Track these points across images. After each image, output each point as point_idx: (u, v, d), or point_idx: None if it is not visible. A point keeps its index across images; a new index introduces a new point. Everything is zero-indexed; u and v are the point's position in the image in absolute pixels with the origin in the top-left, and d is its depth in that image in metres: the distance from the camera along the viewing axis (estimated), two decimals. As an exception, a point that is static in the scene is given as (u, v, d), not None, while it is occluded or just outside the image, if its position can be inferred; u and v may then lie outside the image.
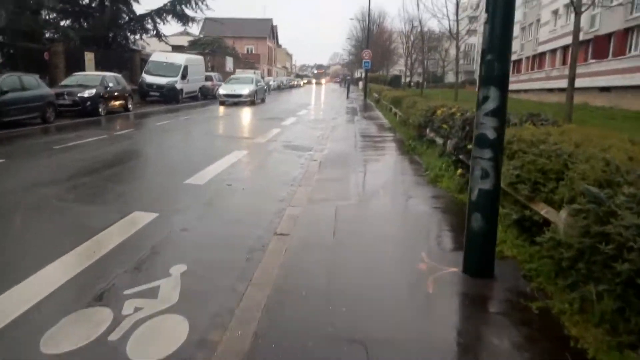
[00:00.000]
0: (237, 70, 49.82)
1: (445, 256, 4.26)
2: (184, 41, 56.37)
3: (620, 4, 23.20)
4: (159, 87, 26.47)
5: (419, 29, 28.88)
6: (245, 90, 26.54)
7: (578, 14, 8.30)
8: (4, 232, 5.00)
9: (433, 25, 65.50)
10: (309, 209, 5.70)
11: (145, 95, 26.69)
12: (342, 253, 4.30)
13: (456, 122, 7.53)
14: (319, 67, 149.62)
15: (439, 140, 8.61)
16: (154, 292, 3.58)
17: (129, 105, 20.43)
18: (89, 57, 26.17)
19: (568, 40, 34.20)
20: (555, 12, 36.90)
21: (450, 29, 16.65)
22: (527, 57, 44.63)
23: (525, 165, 4.32)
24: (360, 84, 72.35)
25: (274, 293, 3.49)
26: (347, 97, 40.63)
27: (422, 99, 14.40)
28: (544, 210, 3.96)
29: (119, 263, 4.13)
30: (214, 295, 3.63)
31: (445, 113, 8.84)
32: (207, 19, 69.76)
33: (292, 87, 74.89)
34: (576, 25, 8.43)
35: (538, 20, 41.68)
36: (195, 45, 55.92)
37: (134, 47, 33.00)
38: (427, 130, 9.90)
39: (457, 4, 16.41)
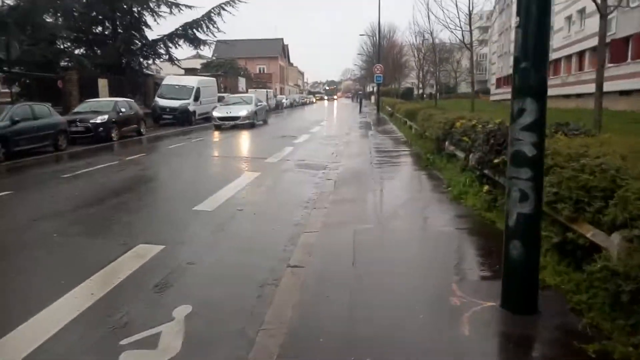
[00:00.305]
0: (248, 90, 50.06)
1: (479, 287, 3.80)
2: (196, 64, 57.06)
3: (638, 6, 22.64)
4: (172, 110, 26.54)
5: (430, 41, 28.58)
6: (242, 111, 23.56)
7: (603, 17, 7.84)
8: None
9: (444, 36, 65.27)
10: (324, 235, 5.29)
11: (159, 118, 26.76)
12: (362, 288, 3.86)
13: (478, 134, 7.08)
14: (331, 83, 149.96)
15: (460, 154, 8.16)
16: (154, 341, 3.19)
17: (142, 130, 20.40)
18: (103, 83, 26.40)
19: (583, 45, 33.65)
20: (569, 18, 36.33)
21: (463, 39, 16.24)
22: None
23: (564, 182, 3.86)
24: (373, 98, 72.26)
25: (288, 339, 3.07)
26: (360, 111, 40.37)
27: (437, 111, 13.96)
28: (590, 233, 3.49)
29: (117, 307, 3.75)
30: (221, 343, 3.23)
31: (465, 125, 8.40)
32: (218, 42, 70.86)
33: (304, 104, 75.10)
34: (602, 27, 7.98)
35: (551, 27, 41.09)
36: (208, 68, 56.49)
37: (147, 72, 33.32)
38: (446, 143, 9.45)
39: (470, 14, 16.04)
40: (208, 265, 4.77)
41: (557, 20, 38.81)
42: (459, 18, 16.18)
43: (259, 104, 27.38)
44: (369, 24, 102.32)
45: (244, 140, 18.05)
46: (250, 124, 23.55)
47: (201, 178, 9.96)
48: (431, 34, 23.81)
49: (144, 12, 31.10)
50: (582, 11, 33.45)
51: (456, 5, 16.28)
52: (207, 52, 56.04)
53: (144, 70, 32.87)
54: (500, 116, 14.86)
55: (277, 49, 79.27)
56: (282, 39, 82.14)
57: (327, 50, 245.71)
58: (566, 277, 3.70)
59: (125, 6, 30.22)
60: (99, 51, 30.58)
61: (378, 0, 44.27)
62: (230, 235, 5.79)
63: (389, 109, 30.06)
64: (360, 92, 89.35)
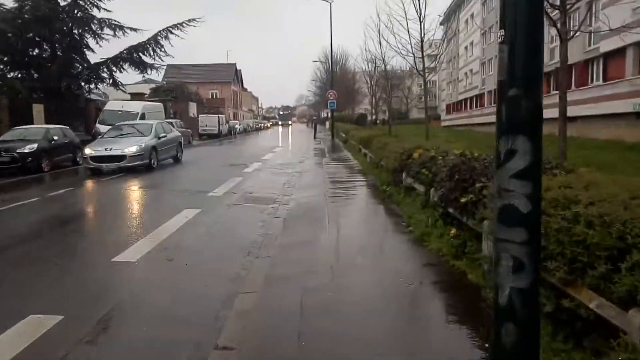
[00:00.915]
0: (199, 115, 48.62)
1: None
2: (146, 89, 55.28)
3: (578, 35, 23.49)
4: (115, 137, 24.92)
5: (382, 68, 28.62)
6: (131, 147, 15.51)
7: (564, 41, 7.49)
8: None
9: (396, 62, 66.77)
10: (266, 297, 4.36)
11: (100, 146, 25.07)
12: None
13: (439, 167, 6.43)
14: (286, 108, 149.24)
15: (420, 188, 7.49)
16: None
17: (78, 158, 18.82)
18: (38, 109, 24.56)
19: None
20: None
21: (415, 66, 15.99)
22: (490, 91, 45.34)
23: (552, 235, 3.16)
24: (327, 123, 72.45)
25: None
26: (315, 137, 39.91)
27: (392, 139, 13.47)
28: (595, 304, 2.76)
29: None
30: None
31: (424, 156, 7.78)
32: (169, 66, 69.24)
33: (259, 129, 74.22)
34: (563, 53, 7.63)
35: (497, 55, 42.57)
36: (157, 92, 54.80)
37: (89, 97, 31.55)
38: (404, 175, 8.80)
39: (422, 41, 15.85)
40: (115, 345, 3.71)
41: (503, 49, 40.21)
42: (410, 44, 15.93)
43: (163, 135, 17.72)
44: (322, 51, 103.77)
45: (189, 170, 16.86)
46: (144, 165, 15.73)
47: (131, 217, 8.80)
48: (383, 60, 23.70)
49: (86, 35, 29.60)
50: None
51: (408, 32, 15.91)
52: (155, 76, 54.66)
53: (86, 95, 31.10)
54: (456, 144, 14.58)
55: (230, 74, 78.45)
56: (234, 64, 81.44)
57: (282, 76, 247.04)
58: (566, 356, 2.94)
59: (64, 28, 28.66)
60: (35, 75, 28.73)
61: (330, 26, 44.63)
62: (151, 297, 4.73)
63: (343, 135, 29.68)
64: (314, 118, 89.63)
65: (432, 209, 6.41)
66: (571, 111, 25.35)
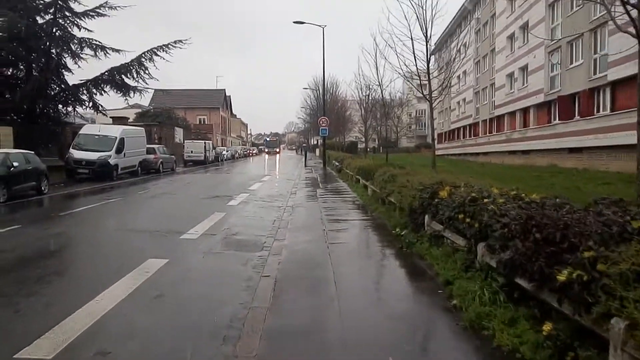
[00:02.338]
0: (184, 140, 46.77)
1: None
2: (132, 114, 53.59)
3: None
4: (90, 164, 22.92)
5: (376, 94, 27.32)
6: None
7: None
8: None
9: (394, 87, 66.00)
10: None
11: (74, 173, 23.04)
12: None
13: (490, 215, 4.63)
14: (274, 135, 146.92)
15: (458, 240, 5.67)
16: None
17: (44, 187, 16.79)
18: (5, 132, 22.48)
19: (527, 102, 33.74)
20: (510, 76, 36.74)
21: (421, 88, 14.44)
22: (484, 120, 44.29)
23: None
24: (317, 151, 70.85)
25: None
26: (305, 165, 38.21)
27: (398, 170, 11.71)
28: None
29: None
30: None
31: (457, 195, 5.98)
32: (156, 90, 67.96)
33: (247, 156, 72.39)
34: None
35: (492, 85, 41.69)
36: (143, 117, 53.12)
37: (67, 120, 29.57)
38: (427, 218, 6.98)
39: (428, 62, 14.35)
40: None
41: (498, 78, 39.37)
42: (416, 66, 14.39)
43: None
44: (312, 78, 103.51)
45: (166, 202, 14.88)
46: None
47: (77, 271, 6.82)
48: (380, 85, 22.30)
49: (64, 55, 27.84)
50: (524, 68, 33.81)
51: (413, 53, 14.39)
52: (141, 100, 53.12)
53: (63, 118, 29.11)
54: (466, 174, 12.80)
55: (219, 100, 77.13)
56: (224, 90, 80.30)
57: (272, 103, 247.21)
58: None
59: (42, 47, 26.89)
60: (8, 95, 26.77)
61: (322, 50, 43.56)
62: None
63: (337, 163, 27.94)
64: (304, 145, 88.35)
65: (485, 275, 4.56)
66: (576, 142, 23.93)
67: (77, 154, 23.29)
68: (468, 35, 51.86)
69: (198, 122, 71.74)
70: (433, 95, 14.49)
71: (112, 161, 23.63)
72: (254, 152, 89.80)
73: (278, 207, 12.87)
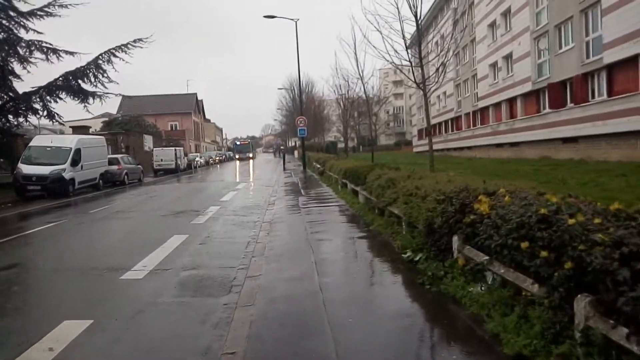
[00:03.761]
0: (153, 148, 44.10)
1: None
2: (99, 123, 50.70)
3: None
4: (41, 179, 20.37)
5: (355, 89, 25.46)
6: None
7: None
8: None
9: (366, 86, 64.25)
10: None
11: (23, 190, 20.45)
12: None
13: (582, 245, 2.65)
14: (251, 137, 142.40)
15: (524, 284, 3.67)
16: None
17: (-22, 210, 14.35)
18: (-59, 147, 19.85)
19: (513, 92, 32.28)
20: (493, 66, 35.29)
21: (414, 76, 12.53)
22: (467, 114, 42.86)
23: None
24: (296, 152, 68.68)
25: None
26: (284, 169, 36.04)
27: (396, 173, 9.74)
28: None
29: None
30: None
31: (510, 212, 4.00)
32: (124, 97, 64.87)
33: (222, 161, 69.68)
34: None
35: (474, 76, 40.25)
36: (110, 125, 50.29)
37: (17, 132, 26.79)
38: (456, 240, 4.98)
39: (420, 44, 12.45)
40: None
41: (480, 68, 37.91)
42: (406, 50, 12.49)
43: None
44: (287, 78, 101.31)
45: (118, 222, 12.58)
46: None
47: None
48: (361, 77, 20.39)
49: (10, 59, 25.11)
50: (508, 57, 32.36)
51: (403, 36, 12.47)
52: (101, 106, 50.20)
53: (13, 130, 26.34)
54: (457, 171, 10.86)
55: (190, 105, 74.30)
56: (195, 94, 77.49)
57: (246, 106, 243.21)
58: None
59: (-16, 52, 24.14)
60: (-52, 107, 24.02)
61: (296, 45, 41.51)
62: None
63: (318, 166, 25.89)
64: (282, 147, 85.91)
65: (602, 356, 2.58)
66: (571, 131, 22.39)
67: (26, 168, 20.69)
68: (444, 27, 50.63)
69: (170, 129, 68.89)
70: (428, 83, 12.56)
71: (66, 175, 21.09)
72: (235, 156, 77.22)
73: (254, 224, 10.75)
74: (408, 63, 13.56)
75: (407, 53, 12.63)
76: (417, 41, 12.73)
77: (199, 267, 6.95)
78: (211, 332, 4.43)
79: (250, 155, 77.92)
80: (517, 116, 31.62)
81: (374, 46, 11.91)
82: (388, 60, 13.28)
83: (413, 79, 12.68)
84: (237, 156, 75.57)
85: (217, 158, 68.20)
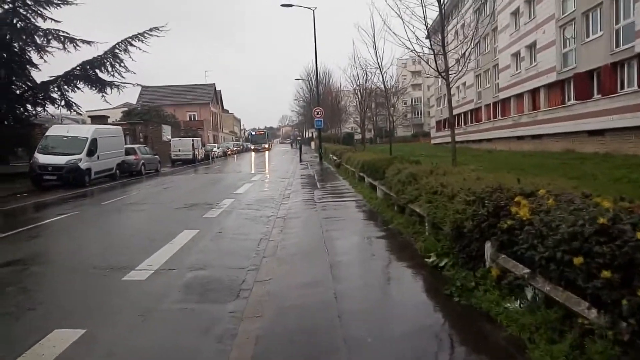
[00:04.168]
0: (171, 138, 44.05)
1: None
2: (119, 113, 50.90)
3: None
4: (57, 169, 20.29)
5: (373, 79, 24.72)
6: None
7: None
8: None
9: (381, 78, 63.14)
10: None
11: (39, 179, 20.40)
12: None
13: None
14: (269, 128, 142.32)
15: (577, 307, 3.13)
16: None
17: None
18: (-40, 136, 19.88)
19: (537, 83, 31.17)
20: (516, 55, 34.12)
21: (436, 65, 11.88)
22: (487, 105, 41.70)
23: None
24: (313, 143, 68.08)
25: None
26: (300, 160, 35.59)
27: (417, 167, 9.17)
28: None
29: None
30: None
31: (557, 219, 3.45)
32: (143, 87, 64.91)
33: (239, 152, 69.53)
34: None
35: (495, 66, 39.05)
36: (130, 116, 50.39)
37: (35, 121, 26.80)
38: (489, 248, 4.44)
39: (443, 31, 11.79)
40: None
41: (502, 59, 36.72)
42: (429, 38, 11.86)
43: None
44: (304, 68, 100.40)
45: (129, 215, 12.28)
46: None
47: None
48: (380, 66, 19.74)
49: (28, 48, 25.03)
50: (531, 46, 31.20)
51: (425, 21, 11.82)
52: (119, 95, 50.05)
53: (31, 119, 26.35)
54: (477, 163, 10.18)
55: (209, 95, 74.18)
56: (214, 84, 77.30)
57: (265, 97, 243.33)
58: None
59: (1, 40, 24.05)
60: (-33, 96, 24.04)
61: (314, 35, 40.85)
62: None
63: (334, 158, 25.36)
64: (299, 138, 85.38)
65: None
66: (597, 123, 21.35)
67: (42, 158, 20.61)
68: (465, 15, 49.33)
69: (188, 119, 68.94)
70: (451, 72, 11.90)
71: (83, 165, 20.95)
72: (251, 147, 74.13)
73: (267, 218, 10.32)
74: (429, 51, 12.88)
75: (430, 40, 11.95)
76: (440, 27, 12.05)
77: (207, 266, 6.53)
78: (213, 346, 3.99)
79: (266, 146, 76.27)
80: (540, 108, 30.53)
81: (394, 33, 11.34)
82: (409, 48, 12.63)
83: (435, 68, 12.01)
84: (252, 147, 74.04)
85: (235, 149, 68.00)
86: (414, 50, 12.59)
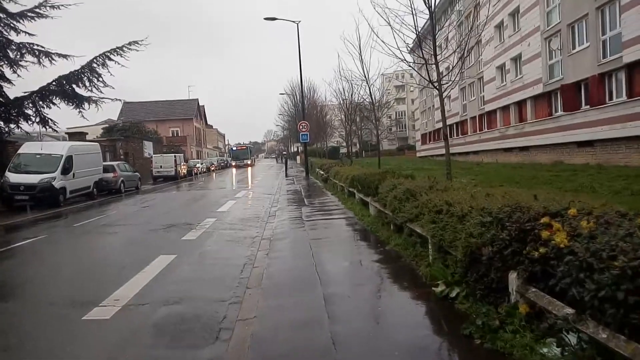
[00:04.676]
0: (152, 154, 42.96)
1: None
2: (99, 129, 49.64)
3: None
4: (29, 188, 19.20)
5: (359, 91, 24.26)
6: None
7: None
8: None
9: (367, 90, 62.85)
10: None
11: (11, 200, 19.27)
12: None
13: None
14: (254, 143, 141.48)
15: (614, 344, 2.44)
16: None
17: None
18: None
19: (523, 95, 31.03)
20: (501, 68, 34.07)
21: (429, 75, 11.34)
22: (473, 117, 41.60)
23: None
24: (298, 158, 67.41)
25: None
26: (286, 175, 34.81)
27: (413, 182, 8.51)
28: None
29: None
30: None
31: (608, 247, 2.76)
32: (125, 103, 63.64)
33: (223, 168, 68.43)
34: None
35: (480, 79, 39.01)
36: (110, 132, 49.16)
37: (9, 139, 25.61)
38: (514, 279, 3.74)
39: (434, 38, 11.27)
40: None
41: (487, 71, 36.67)
42: (420, 47, 11.34)
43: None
44: (289, 83, 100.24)
45: (106, 239, 11.36)
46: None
47: None
48: (366, 79, 19.25)
49: (0, 63, 23.98)
50: (516, 58, 31.15)
51: (416, 30, 11.30)
52: (97, 111, 48.71)
53: (4, 137, 25.15)
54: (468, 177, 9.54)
55: (192, 110, 73.27)
56: (197, 100, 76.52)
57: (250, 111, 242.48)
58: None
59: (-29, 55, 23.02)
60: None
61: (298, 47, 40.41)
62: None
63: (322, 172, 24.67)
64: (284, 153, 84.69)
65: None
66: (587, 134, 21.07)
67: (13, 177, 19.52)
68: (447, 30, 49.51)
69: (171, 135, 67.84)
70: (443, 82, 11.36)
71: (57, 184, 19.90)
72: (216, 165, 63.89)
73: (252, 240, 9.51)
74: (419, 60, 12.35)
75: (421, 48, 11.39)
76: (431, 35, 11.53)
77: (183, 300, 5.71)
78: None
79: (249, 162, 70.10)
80: (527, 119, 30.36)
81: (383, 41, 10.94)
82: (399, 58, 12.07)
83: (427, 78, 11.45)
84: (233, 163, 69.09)
85: (218, 165, 66.70)
86: (404, 59, 12.03)
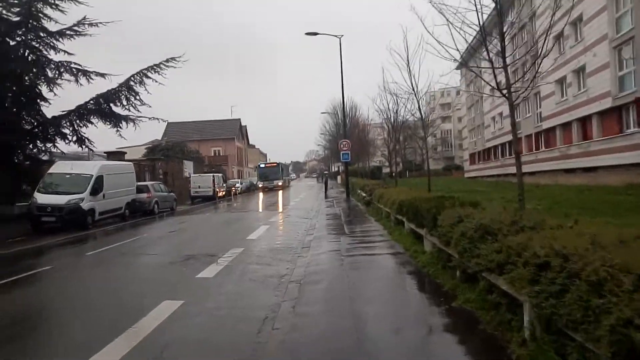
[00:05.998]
0: (191, 174, 42.34)
1: None
2: (143, 150, 50.07)
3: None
4: (56, 209, 18.37)
5: (406, 106, 22.32)
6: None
7: None
8: None
9: (417, 104, 60.70)
10: None
11: (37, 222, 18.49)
12: None
13: None
14: (295, 163, 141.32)
15: None
16: None
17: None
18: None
19: (587, 110, 28.14)
20: (561, 81, 31.28)
21: (497, 83, 9.33)
22: (528, 135, 38.60)
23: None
24: (339, 177, 65.81)
25: None
26: (325, 196, 33.09)
27: (484, 213, 6.52)
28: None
29: None
30: None
31: None
32: (169, 124, 64.29)
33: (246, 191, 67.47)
34: None
35: (537, 94, 36.19)
36: (153, 152, 49.34)
37: (44, 158, 25.27)
38: None
39: (503, 39, 9.30)
40: None
41: (544, 86, 33.87)
42: (484, 42, 9.42)
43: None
44: (330, 102, 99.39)
45: (116, 274, 9.89)
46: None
47: None
48: (415, 92, 17.31)
49: (39, 82, 23.72)
50: (579, 70, 28.40)
51: (481, 27, 9.38)
52: (135, 130, 49.22)
53: (41, 155, 24.82)
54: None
55: (234, 130, 73.42)
56: (239, 120, 76.69)
57: (292, 130, 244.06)
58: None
59: (11, 73, 22.79)
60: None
61: (340, 63, 38.99)
62: None
63: (363, 194, 22.75)
64: (325, 172, 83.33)
65: None
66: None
67: (41, 198, 18.76)
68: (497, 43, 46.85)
69: (213, 154, 67.95)
70: (514, 90, 9.34)
71: (85, 205, 18.99)
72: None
73: (279, 280, 7.75)
74: (480, 64, 10.41)
75: (487, 49, 9.45)
76: (499, 35, 9.58)
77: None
78: None
79: (280, 183, 56.36)
80: (592, 137, 27.38)
81: (438, 41, 9.36)
82: (457, 60, 10.16)
83: (495, 86, 9.47)
84: (260, 184, 56.03)
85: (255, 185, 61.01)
86: (465, 63, 10.10)
